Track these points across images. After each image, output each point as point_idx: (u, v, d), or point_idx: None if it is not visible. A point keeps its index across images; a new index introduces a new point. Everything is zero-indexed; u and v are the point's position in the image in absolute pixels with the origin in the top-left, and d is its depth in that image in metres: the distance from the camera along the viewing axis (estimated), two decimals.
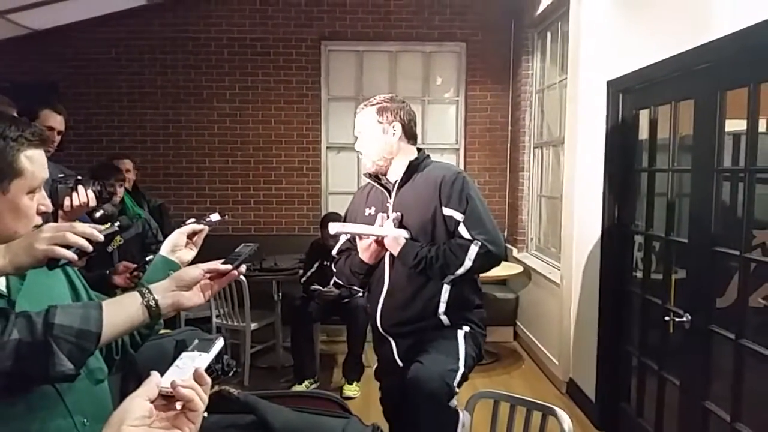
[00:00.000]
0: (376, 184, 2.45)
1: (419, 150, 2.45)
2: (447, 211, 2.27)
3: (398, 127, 2.36)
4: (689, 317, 2.71)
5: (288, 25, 5.81)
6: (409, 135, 2.40)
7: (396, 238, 2.28)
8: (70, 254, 1.18)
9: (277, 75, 5.85)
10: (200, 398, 0.94)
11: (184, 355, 1.06)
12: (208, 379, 0.99)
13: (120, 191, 3.82)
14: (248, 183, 5.94)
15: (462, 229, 2.25)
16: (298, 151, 5.95)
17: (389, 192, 2.39)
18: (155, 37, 5.75)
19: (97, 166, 3.95)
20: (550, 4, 4.76)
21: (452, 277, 2.27)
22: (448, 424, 2.18)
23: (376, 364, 2.66)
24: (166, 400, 0.95)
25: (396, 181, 2.38)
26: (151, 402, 0.92)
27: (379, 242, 2.31)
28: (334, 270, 2.56)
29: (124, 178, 3.99)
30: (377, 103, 2.39)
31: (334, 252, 2.56)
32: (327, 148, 6.04)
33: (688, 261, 2.85)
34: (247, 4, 5.78)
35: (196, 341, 1.11)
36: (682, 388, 2.81)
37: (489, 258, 2.25)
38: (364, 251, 2.34)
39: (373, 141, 2.36)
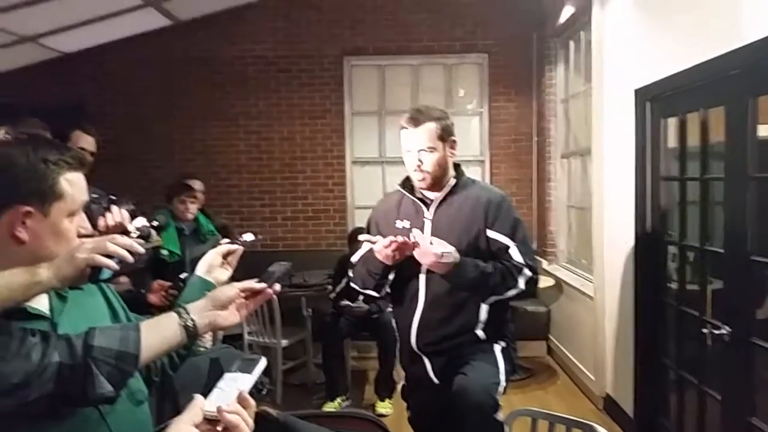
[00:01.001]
0: (411, 196, 2.39)
1: (456, 166, 2.43)
2: (492, 234, 2.27)
3: (456, 144, 2.37)
4: (728, 329, 2.64)
5: (310, 42, 5.86)
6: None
7: (441, 255, 2.15)
8: (111, 263, 1.19)
9: (300, 91, 5.90)
10: (246, 423, 0.93)
11: (226, 376, 1.06)
12: (253, 402, 0.98)
13: (192, 208, 3.98)
14: (275, 199, 5.97)
15: (515, 254, 2.26)
16: (324, 167, 5.97)
17: (426, 206, 2.35)
18: (181, 57, 5.84)
19: (171, 185, 4.14)
20: (573, 13, 4.74)
21: (499, 297, 2.26)
22: None
23: (402, 383, 2.62)
24: (211, 423, 0.95)
25: (437, 196, 2.35)
26: (196, 426, 0.91)
27: (400, 248, 2.19)
28: (351, 274, 2.50)
29: (196, 196, 4.10)
30: (437, 118, 2.32)
31: (354, 258, 2.48)
32: (352, 162, 6.05)
33: (724, 271, 2.78)
34: (270, 22, 5.85)
35: (239, 362, 1.10)
36: (724, 403, 2.73)
37: (534, 285, 2.29)
38: (382, 251, 2.20)
39: (437, 158, 2.30)
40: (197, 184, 4.50)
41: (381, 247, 2.18)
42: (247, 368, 1.08)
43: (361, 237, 2.27)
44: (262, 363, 1.10)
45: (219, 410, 0.93)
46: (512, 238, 2.27)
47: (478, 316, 2.30)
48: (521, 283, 2.25)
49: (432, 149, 2.29)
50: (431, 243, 2.16)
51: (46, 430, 1.12)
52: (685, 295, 3.20)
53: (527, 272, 2.25)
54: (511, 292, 2.25)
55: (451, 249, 2.17)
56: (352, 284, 2.52)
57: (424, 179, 2.32)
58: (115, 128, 5.74)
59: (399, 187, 2.45)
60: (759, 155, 2.49)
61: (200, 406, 0.94)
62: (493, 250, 2.28)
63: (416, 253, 2.19)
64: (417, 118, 2.32)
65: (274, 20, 5.85)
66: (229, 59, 5.86)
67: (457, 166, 2.43)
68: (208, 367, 2.16)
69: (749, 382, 2.57)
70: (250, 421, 0.96)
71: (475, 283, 2.21)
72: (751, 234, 2.51)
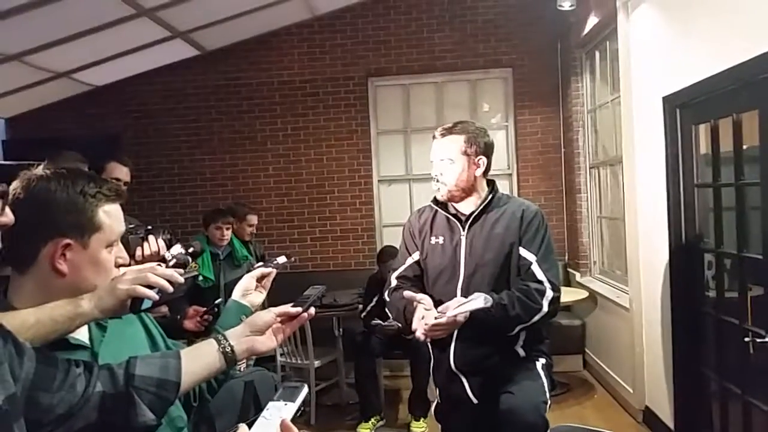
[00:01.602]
0: (444, 212, 2.37)
1: (490, 182, 2.40)
2: (522, 251, 2.24)
3: (484, 162, 2.31)
4: None
5: (335, 65, 5.93)
6: (488, 170, 2.36)
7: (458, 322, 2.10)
8: (152, 293, 1.21)
9: (326, 113, 5.96)
10: None
11: (270, 405, 1.07)
12: (295, 430, 0.99)
13: (227, 233, 4.11)
14: (304, 220, 6.02)
15: (536, 270, 2.21)
16: (351, 186, 6.00)
17: (461, 223, 2.32)
18: (209, 85, 5.96)
19: (208, 212, 4.38)
20: (597, 23, 4.72)
21: (525, 325, 2.19)
22: None
23: (436, 402, 2.57)
24: None
25: (471, 213, 2.31)
26: None
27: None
28: (387, 299, 2.44)
29: (231, 222, 4.29)
30: (466, 132, 2.30)
31: (393, 277, 2.43)
32: (379, 181, 6.08)
33: (764, 277, 2.72)
34: (295, 48, 5.94)
35: (281, 390, 1.11)
36: None
37: (557, 303, 2.23)
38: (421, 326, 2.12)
39: (456, 171, 2.27)
40: (252, 219, 4.74)
41: (421, 324, 2.11)
42: (290, 397, 1.09)
43: (419, 303, 2.17)
44: (304, 390, 1.12)
45: None
46: (536, 254, 2.23)
47: (519, 333, 2.26)
48: (545, 306, 2.18)
49: (451, 161, 2.27)
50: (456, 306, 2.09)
51: None
52: (723, 303, 3.12)
53: (549, 293, 2.18)
54: (536, 317, 2.18)
55: (466, 309, 2.09)
56: (387, 308, 2.50)
57: (439, 190, 2.31)
58: (148, 157, 5.88)
59: (431, 203, 2.43)
60: None
61: None
62: (520, 265, 2.25)
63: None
64: (449, 128, 2.32)
65: (299, 45, 5.94)
66: (256, 86, 5.96)
67: (491, 183, 2.40)
68: (243, 390, 2.17)
69: None
70: None
71: (493, 325, 2.16)
72: None
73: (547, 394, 2.22)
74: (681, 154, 3.40)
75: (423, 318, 2.11)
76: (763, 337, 2.60)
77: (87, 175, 1.27)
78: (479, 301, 2.02)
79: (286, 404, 1.07)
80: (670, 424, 3.61)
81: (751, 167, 2.80)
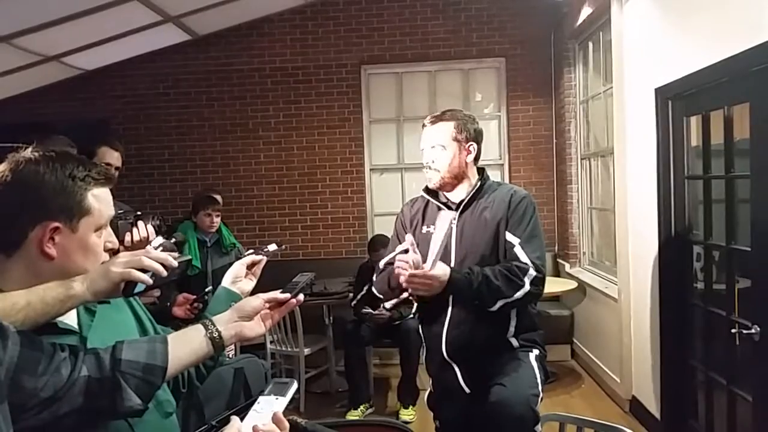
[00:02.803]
0: (435, 201, 2.38)
1: (480, 170, 2.41)
2: (507, 235, 2.23)
3: (474, 148, 2.33)
4: (758, 328, 2.59)
5: (328, 52, 5.90)
6: (478, 157, 2.37)
7: (435, 277, 2.09)
8: (145, 277, 1.21)
9: (319, 101, 5.94)
10: None
11: (261, 399, 1.09)
12: (287, 424, 1.00)
13: (217, 221, 4.09)
14: (295, 208, 6.01)
15: (519, 252, 2.19)
16: (343, 175, 5.99)
17: (451, 211, 2.32)
18: (201, 71, 5.92)
19: (196, 198, 4.30)
20: (591, 14, 4.71)
21: (507, 300, 2.16)
22: None
23: (429, 390, 2.58)
24: None
25: (461, 201, 2.32)
26: None
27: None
28: (375, 278, 2.47)
29: (221, 209, 4.20)
30: (455, 119, 2.32)
31: (382, 263, 2.45)
32: (370, 170, 6.07)
33: (752, 270, 2.74)
34: (287, 34, 5.90)
35: (272, 385, 1.13)
36: (755, 404, 2.68)
37: (541, 283, 2.20)
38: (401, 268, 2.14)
39: (447, 157, 2.28)
40: (218, 198, 4.57)
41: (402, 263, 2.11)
42: (280, 391, 1.11)
43: (399, 248, 2.20)
44: (295, 386, 1.14)
45: (255, 429, 0.96)
46: (520, 237, 2.22)
47: (510, 318, 2.27)
48: (527, 284, 2.15)
49: (443, 147, 2.28)
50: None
51: None
52: (711, 294, 3.15)
53: (532, 272, 2.16)
54: (519, 294, 2.15)
55: (442, 271, 2.10)
56: (373, 288, 2.51)
57: (432, 178, 2.32)
58: (138, 143, 5.84)
59: (423, 193, 2.43)
60: None
61: (237, 427, 0.97)
62: (506, 250, 2.24)
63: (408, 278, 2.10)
64: (438, 116, 2.33)
65: (292, 32, 5.90)
66: (248, 72, 5.92)
67: (482, 170, 2.41)
68: (233, 376, 2.17)
69: None
70: None
71: (474, 292, 2.13)
72: None
73: (539, 387, 2.21)
74: (672, 146, 3.41)
75: (406, 260, 2.09)
76: (749, 329, 2.62)
77: (76, 159, 1.25)
78: (447, 221, 2.06)
79: (277, 398, 1.09)
80: (656, 414, 3.65)
81: (741, 160, 2.82)
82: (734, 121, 2.84)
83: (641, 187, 3.77)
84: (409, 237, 2.14)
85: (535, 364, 2.27)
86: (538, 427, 2.14)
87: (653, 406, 3.70)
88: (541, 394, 2.21)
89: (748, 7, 2.61)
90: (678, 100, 3.36)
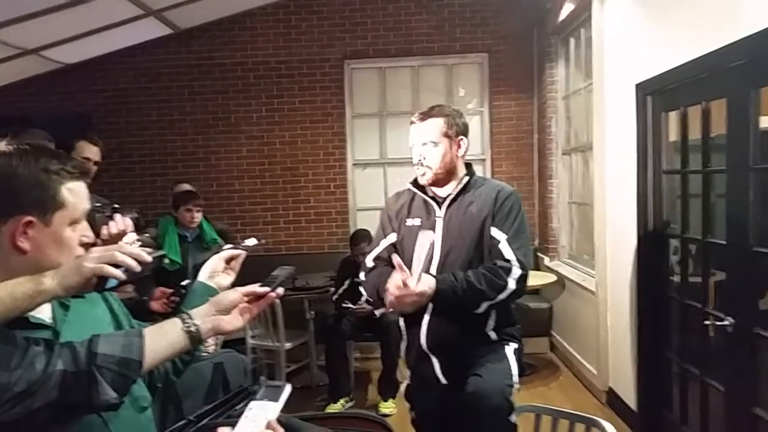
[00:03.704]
0: (422, 194, 2.39)
1: (468, 165, 2.42)
2: (493, 231, 2.24)
3: (465, 142, 2.34)
4: (731, 320, 2.64)
5: (311, 47, 5.88)
6: (466, 152, 2.38)
7: (422, 293, 2.09)
8: (118, 272, 1.19)
9: (302, 96, 5.92)
10: None
11: (253, 404, 1.06)
12: (281, 430, 0.99)
13: (197, 216, 4.05)
14: (277, 203, 6.00)
15: (504, 248, 2.20)
16: (325, 170, 5.99)
17: (438, 205, 2.34)
18: (182, 65, 5.87)
19: (179, 193, 4.25)
20: (573, 10, 4.74)
21: (491, 302, 2.17)
22: None
23: (406, 383, 2.59)
24: None
25: (448, 195, 2.33)
26: None
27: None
28: (363, 279, 2.45)
29: (202, 205, 4.16)
30: (445, 114, 2.32)
31: (369, 258, 2.44)
32: (353, 165, 6.07)
33: (726, 263, 2.79)
34: (270, 28, 5.87)
35: (264, 389, 1.10)
36: (727, 394, 2.74)
37: (525, 281, 2.21)
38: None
39: (440, 153, 2.29)
40: (186, 186, 4.53)
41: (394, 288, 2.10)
42: (272, 396, 1.09)
43: (395, 260, 2.15)
44: (287, 390, 1.11)
45: None
46: (506, 233, 2.23)
47: (488, 314, 2.28)
48: (511, 284, 2.16)
49: (435, 144, 2.28)
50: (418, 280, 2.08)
51: None
52: (687, 287, 3.20)
53: (516, 270, 2.17)
54: (503, 295, 2.16)
55: (428, 286, 2.11)
56: (361, 288, 2.50)
57: (425, 174, 2.31)
58: (119, 137, 5.79)
59: (410, 186, 2.44)
60: (761, 147, 2.50)
61: None
62: (490, 246, 2.25)
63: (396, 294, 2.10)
64: (426, 112, 2.33)
65: (275, 26, 5.87)
66: (230, 66, 5.89)
67: (468, 166, 2.41)
68: (212, 371, 2.17)
69: (752, 373, 2.58)
70: None
71: (460, 299, 2.14)
72: (753, 225, 2.52)
73: (514, 378, 2.24)
74: (651, 141, 3.45)
75: (395, 284, 2.10)
76: (723, 320, 2.67)
77: (50, 152, 1.25)
78: (427, 239, 2.06)
79: (268, 403, 1.07)
80: (633, 405, 3.71)
81: (718, 155, 2.86)
82: (711, 116, 2.88)
83: (620, 182, 3.81)
84: (396, 259, 2.13)
85: (511, 356, 2.29)
86: (513, 417, 2.16)
87: (629, 398, 3.76)
88: (516, 385, 2.23)
89: (725, 4, 2.65)
90: (657, 96, 3.40)
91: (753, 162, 2.51)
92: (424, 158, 2.29)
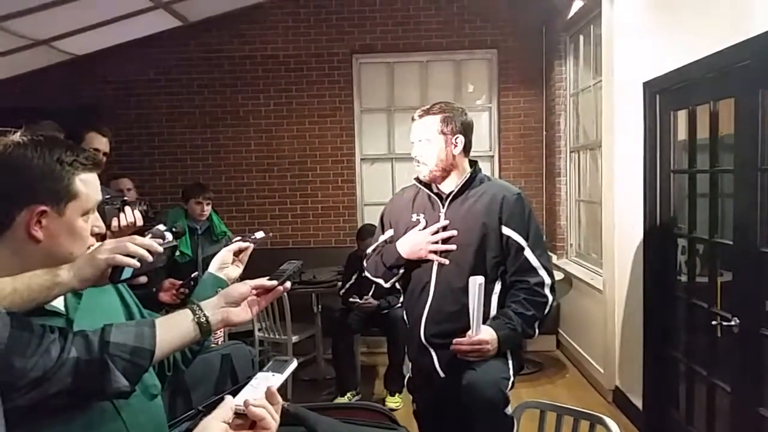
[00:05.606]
0: (426, 190, 2.42)
1: (473, 162, 2.44)
2: (507, 231, 2.28)
3: (461, 140, 2.35)
4: (738, 321, 2.64)
5: (320, 41, 5.88)
6: (467, 149, 2.39)
7: (484, 341, 2.19)
8: (132, 261, 1.22)
9: (310, 90, 5.93)
10: (272, 416, 0.97)
11: (259, 375, 1.10)
12: (280, 398, 1.01)
13: (207, 209, 4.07)
14: (285, 197, 6.01)
15: (530, 255, 2.28)
16: (333, 164, 6.00)
17: (441, 200, 2.37)
18: (192, 58, 5.89)
19: (189, 185, 4.27)
20: (582, 7, 4.73)
21: (542, 320, 2.30)
22: (505, 431, 2.18)
23: (408, 375, 2.64)
24: (241, 419, 0.98)
25: (451, 192, 2.36)
26: (226, 423, 0.95)
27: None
28: (365, 263, 2.54)
29: (212, 197, 4.16)
30: (442, 112, 2.34)
31: (369, 249, 2.55)
32: (361, 159, 6.08)
33: (734, 263, 2.79)
34: (279, 22, 5.88)
35: (271, 362, 1.14)
36: (733, 395, 2.74)
37: (555, 287, 2.33)
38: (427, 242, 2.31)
39: (434, 150, 2.32)
40: (126, 182, 4.38)
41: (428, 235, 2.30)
42: (278, 369, 1.12)
43: (381, 238, 2.29)
44: (293, 364, 1.15)
45: (246, 403, 0.97)
46: (527, 238, 2.28)
47: (489, 308, 2.30)
48: (549, 295, 2.29)
49: (429, 141, 2.32)
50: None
51: (62, 424, 1.15)
52: (694, 287, 3.20)
53: (548, 280, 2.28)
54: (547, 309, 2.29)
55: (489, 335, 2.19)
56: (366, 272, 2.56)
57: (421, 171, 2.37)
58: (128, 129, 5.81)
59: (415, 182, 2.47)
60: None
61: (230, 405, 0.98)
62: (508, 250, 2.29)
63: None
64: (426, 110, 2.37)
65: (284, 19, 5.87)
66: (239, 59, 5.90)
67: (473, 163, 2.44)
68: (220, 362, 2.19)
69: (758, 373, 2.58)
70: (276, 416, 1.00)
71: (522, 334, 2.27)
72: (760, 226, 2.51)
73: (510, 371, 2.27)
74: (659, 140, 3.45)
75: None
76: (729, 321, 2.67)
77: (64, 143, 1.26)
78: (475, 285, 2.12)
79: (274, 375, 1.10)
80: (639, 404, 3.71)
81: (726, 155, 2.85)
82: (720, 116, 2.87)
83: (628, 180, 3.81)
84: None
85: (509, 351, 2.32)
86: (509, 410, 2.19)
87: (636, 397, 3.76)
88: (512, 378, 2.27)
89: (735, 3, 2.64)
90: (665, 95, 3.39)
91: (761, 163, 2.50)
92: (420, 155, 2.35)
